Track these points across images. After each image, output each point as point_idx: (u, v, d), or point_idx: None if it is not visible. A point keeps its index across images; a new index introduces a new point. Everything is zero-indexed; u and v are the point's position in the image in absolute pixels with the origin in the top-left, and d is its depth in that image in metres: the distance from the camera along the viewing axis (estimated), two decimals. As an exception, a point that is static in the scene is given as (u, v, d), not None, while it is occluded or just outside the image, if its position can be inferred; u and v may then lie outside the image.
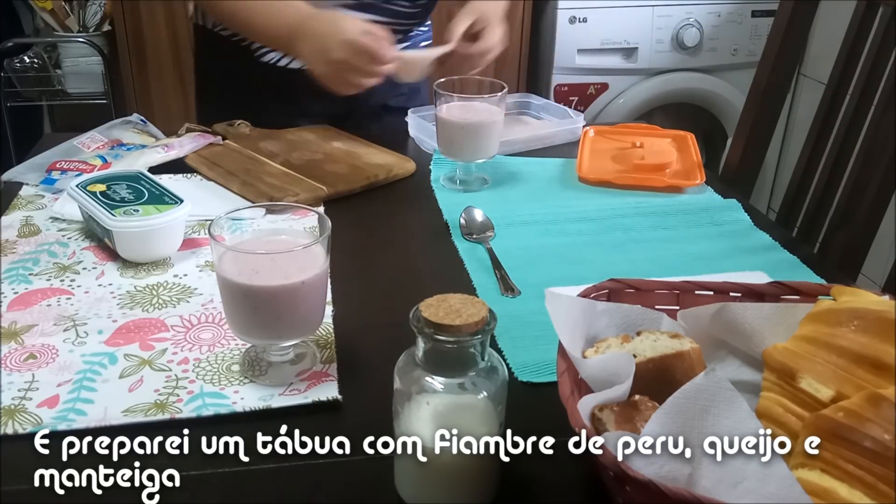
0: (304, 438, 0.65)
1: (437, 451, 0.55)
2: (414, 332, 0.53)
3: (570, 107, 1.46)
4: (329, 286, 0.80)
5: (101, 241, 0.92)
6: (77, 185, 0.92)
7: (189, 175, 1.12)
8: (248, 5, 1.11)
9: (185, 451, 0.63)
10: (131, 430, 0.64)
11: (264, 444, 0.64)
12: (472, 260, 0.93)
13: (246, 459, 0.62)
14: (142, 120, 1.24)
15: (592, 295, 0.67)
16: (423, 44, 1.38)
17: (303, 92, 1.25)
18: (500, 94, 1.10)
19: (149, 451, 0.62)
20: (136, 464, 0.61)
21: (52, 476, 0.60)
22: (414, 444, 0.55)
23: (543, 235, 1.00)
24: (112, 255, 0.90)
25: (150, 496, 0.59)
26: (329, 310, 0.81)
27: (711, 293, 0.70)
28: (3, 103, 2.39)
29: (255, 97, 1.30)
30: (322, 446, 0.64)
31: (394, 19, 1.24)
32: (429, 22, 1.37)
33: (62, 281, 0.85)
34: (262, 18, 1.10)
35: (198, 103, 1.41)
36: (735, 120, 1.67)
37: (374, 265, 0.93)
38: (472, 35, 1.16)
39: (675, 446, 0.51)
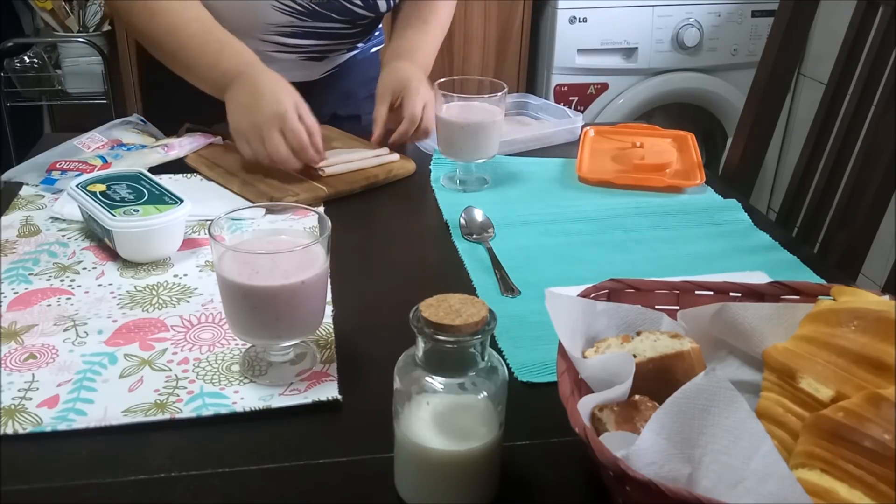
0: (304, 438, 0.65)
1: (437, 451, 0.55)
2: (414, 332, 0.53)
3: (570, 107, 1.46)
4: (329, 286, 0.81)
5: (101, 241, 0.92)
6: (77, 185, 0.92)
7: (189, 175, 1.12)
8: (190, 46, 1.06)
9: (185, 451, 0.63)
10: (131, 430, 0.65)
11: (264, 444, 0.64)
12: (472, 260, 0.93)
13: (246, 459, 0.62)
14: (142, 120, 1.24)
15: (592, 295, 0.67)
16: (373, 49, 1.38)
17: None
18: (499, 94, 1.10)
19: (149, 451, 0.63)
20: (136, 464, 0.61)
21: (51, 476, 0.60)
22: (414, 444, 0.55)
23: (543, 235, 1.00)
24: (112, 255, 0.90)
25: (151, 495, 0.59)
26: (329, 310, 0.81)
27: (711, 293, 0.70)
28: (3, 103, 2.39)
29: (210, 105, 1.18)
30: (322, 446, 0.64)
31: (332, 41, 1.24)
32: (380, 26, 1.36)
33: (62, 281, 0.85)
34: (205, 60, 1.06)
35: (143, 112, 1.35)
36: (735, 120, 1.67)
37: (374, 265, 0.93)
38: (398, 108, 1.14)
39: (675, 446, 0.51)
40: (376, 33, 1.37)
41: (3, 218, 0.98)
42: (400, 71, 1.17)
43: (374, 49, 1.39)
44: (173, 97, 1.24)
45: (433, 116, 1.12)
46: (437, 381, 0.54)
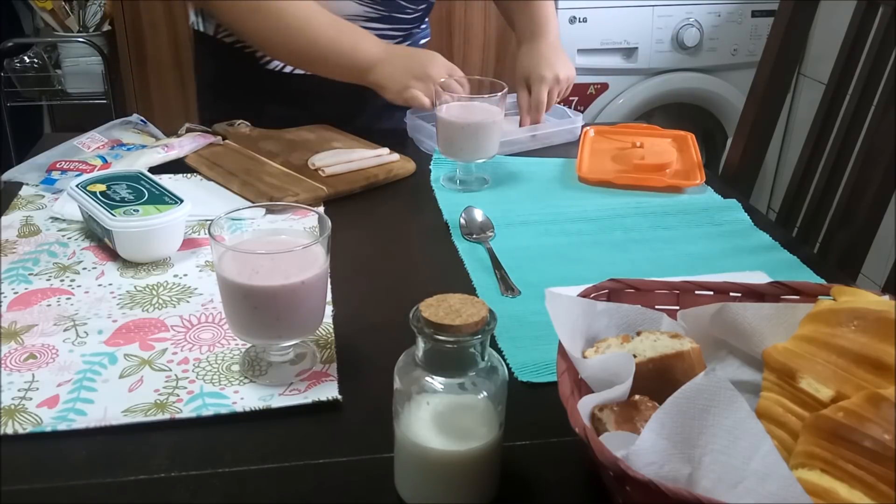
0: (304, 438, 0.65)
1: (437, 451, 0.55)
2: (414, 332, 0.53)
3: (569, 107, 1.46)
4: (329, 286, 0.81)
5: (101, 241, 0.92)
6: (77, 185, 0.92)
7: (189, 175, 1.12)
8: (324, 38, 1.15)
9: (185, 451, 0.63)
10: (131, 430, 0.65)
11: (264, 444, 0.64)
12: (472, 260, 0.93)
13: (246, 459, 0.62)
14: (142, 120, 1.24)
15: (592, 295, 0.67)
16: (422, 41, 1.42)
17: (309, 95, 1.30)
18: (499, 94, 1.10)
19: (149, 451, 0.63)
20: (136, 464, 0.61)
21: (51, 476, 0.60)
22: (414, 444, 0.55)
23: (543, 235, 1.00)
24: (112, 255, 0.90)
25: (151, 495, 0.59)
26: (329, 310, 0.81)
27: (711, 293, 0.70)
28: (3, 103, 2.39)
29: (260, 102, 1.31)
30: (322, 446, 0.64)
31: (398, 25, 1.29)
32: (426, 19, 1.41)
33: (62, 281, 0.85)
34: (344, 48, 1.16)
35: (199, 110, 1.41)
36: (735, 120, 1.67)
37: (374, 265, 0.93)
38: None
39: (675, 446, 0.51)
40: (423, 26, 1.41)
41: (3, 218, 0.98)
42: (528, 56, 1.29)
43: (423, 41, 1.43)
44: (227, 100, 1.33)
45: (565, 90, 1.27)
46: (437, 381, 0.54)
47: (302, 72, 1.28)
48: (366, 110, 1.34)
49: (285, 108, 1.31)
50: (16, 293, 0.82)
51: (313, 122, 1.28)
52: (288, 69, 1.28)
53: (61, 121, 2.72)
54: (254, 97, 1.32)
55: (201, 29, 1.31)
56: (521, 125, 1.29)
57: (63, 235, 0.95)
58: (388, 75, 1.16)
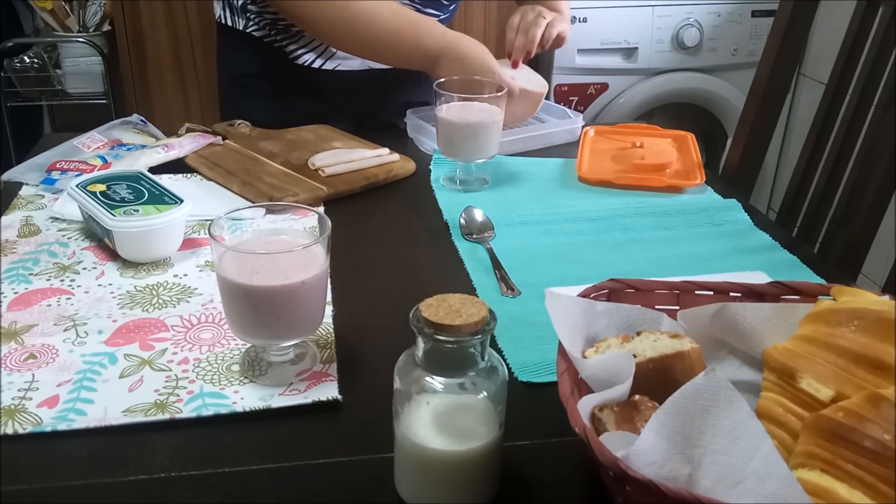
0: (304, 438, 0.65)
1: (437, 451, 0.55)
2: (414, 332, 0.53)
3: (570, 107, 1.46)
4: (329, 286, 0.80)
5: (101, 241, 0.92)
6: (77, 185, 0.92)
7: (189, 175, 1.12)
8: (387, 31, 1.17)
9: (185, 451, 0.63)
10: (131, 430, 0.65)
11: (264, 444, 0.64)
12: (472, 260, 0.93)
13: (246, 459, 0.62)
14: (142, 120, 1.24)
15: (592, 295, 0.67)
16: None
17: (333, 90, 1.33)
18: (500, 94, 1.10)
19: (149, 452, 0.63)
20: (136, 464, 0.61)
21: (51, 476, 0.60)
22: (414, 444, 0.55)
23: (543, 235, 1.00)
24: (112, 255, 0.90)
25: (151, 495, 0.59)
26: (329, 310, 0.81)
27: (711, 293, 0.70)
28: (3, 103, 2.39)
29: (285, 96, 1.33)
30: (322, 446, 0.64)
31: (434, 9, 1.31)
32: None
33: (62, 281, 0.85)
34: (406, 43, 1.19)
35: (221, 105, 1.42)
36: (735, 120, 1.67)
37: (374, 265, 0.93)
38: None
39: (675, 446, 0.51)
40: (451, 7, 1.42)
41: (3, 218, 0.98)
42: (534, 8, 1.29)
43: None
44: (251, 95, 1.35)
45: (552, 31, 1.26)
46: (437, 381, 0.54)
47: (330, 67, 1.30)
48: (388, 108, 1.36)
49: (310, 103, 1.33)
50: (16, 293, 0.82)
51: (337, 117, 1.30)
52: (317, 64, 1.30)
53: (61, 121, 2.72)
54: (280, 91, 1.34)
55: (229, 23, 1.32)
56: (511, 58, 1.28)
57: (63, 235, 0.95)
58: (448, 73, 1.18)
